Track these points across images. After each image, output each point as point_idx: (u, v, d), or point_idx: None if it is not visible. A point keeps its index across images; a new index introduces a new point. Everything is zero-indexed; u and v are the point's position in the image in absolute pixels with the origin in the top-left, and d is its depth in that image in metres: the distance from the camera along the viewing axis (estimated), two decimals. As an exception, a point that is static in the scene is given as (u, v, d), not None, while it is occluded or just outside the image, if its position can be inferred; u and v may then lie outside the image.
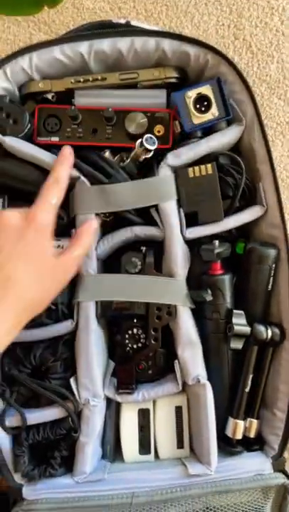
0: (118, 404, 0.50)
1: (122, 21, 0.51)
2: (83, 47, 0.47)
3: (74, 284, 0.48)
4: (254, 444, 0.49)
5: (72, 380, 0.47)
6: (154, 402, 0.50)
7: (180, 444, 0.50)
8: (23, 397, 0.48)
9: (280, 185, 0.48)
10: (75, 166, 0.46)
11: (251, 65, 0.70)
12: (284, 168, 0.70)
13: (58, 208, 0.41)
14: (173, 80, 0.50)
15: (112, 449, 0.51)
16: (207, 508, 0.48)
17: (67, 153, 0.44)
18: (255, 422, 0.49)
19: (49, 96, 0.51)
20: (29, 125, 0.49)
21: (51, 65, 0.48)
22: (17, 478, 0.47)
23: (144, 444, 0.50)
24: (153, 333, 0.48)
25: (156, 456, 0.50)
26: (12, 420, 0.47)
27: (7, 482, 0.47)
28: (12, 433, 0.47)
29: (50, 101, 0.51)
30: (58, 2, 0.50)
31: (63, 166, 0.43)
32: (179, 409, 0.50)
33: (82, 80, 0.49)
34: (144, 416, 0.49)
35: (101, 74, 0.49)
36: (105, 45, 0.47)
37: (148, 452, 0.50)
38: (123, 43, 0.47)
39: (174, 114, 0.49)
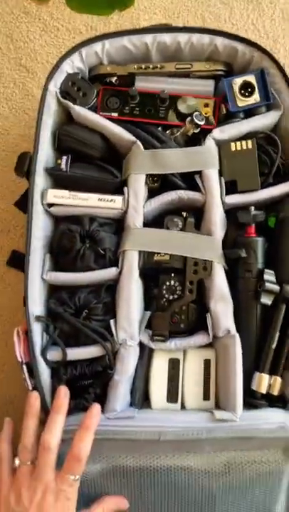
0: (150, 355, 0.53)
1: (180, 26, 0.60)
2: (149, 38, 0.56)
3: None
4: (277, 401, 0.51)
5: (112, 322, 0.51)
6: (184, 354, 0.53)
7: (206, 396, 0.52)
8: (64, 334, 0.52)
9: None
10: (132, 132, 0.54)
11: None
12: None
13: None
14: (221, 73, 0.58)
15: (141, 398, 0.53)
16: (228, 462, 0.50)
17: (63, 394, 0.47)
18: (279, 379, 0.51)
19: (113, 79, 0.59)
20: (95, 100, 0.57)
21: (119, 51, 0.57)
22: (52, 409, 0.50)
23: (172, 393, 0.52)
24: (189, 285, 0.52)
25: (183, 406, 0.52)
26: (53, 354, 0.51)
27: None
28: (52, 365, 0.51)
29: (113, 84, 0.59)
30: (128, 5, 0.60)
31: (58, 416, 0.46)
32: (207, 362, 0.53)
33: (143, 66, 0.58)
34: (174, 366, 0.52)
35: (160, 63, 0.58)
36: (167, 38, 0.56)
37: (175, 401, 0.52)
38: (182, 37, 0.56)
39: (220, 100, 0.57)
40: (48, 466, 0.44)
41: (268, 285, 0.50)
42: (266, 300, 0.51)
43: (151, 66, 0.58)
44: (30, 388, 0.51)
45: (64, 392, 0.47)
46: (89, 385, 0.51)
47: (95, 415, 0.46)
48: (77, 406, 0.49)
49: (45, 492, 0.43)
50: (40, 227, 0.53)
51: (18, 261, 0.68)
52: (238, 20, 0.80)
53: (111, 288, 0.53)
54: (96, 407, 0.47)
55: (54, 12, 0.80)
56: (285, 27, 0.80)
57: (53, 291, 0.55)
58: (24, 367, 0.51)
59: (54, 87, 0.55)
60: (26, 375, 0.51)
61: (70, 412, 0.49)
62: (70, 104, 0.55)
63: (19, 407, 0.69)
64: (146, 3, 0.81)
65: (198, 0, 0.81)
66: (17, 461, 0.45)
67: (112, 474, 0.50)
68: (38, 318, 0.51)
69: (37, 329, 0.51)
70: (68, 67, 0.56)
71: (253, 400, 0.50)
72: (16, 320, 0.72)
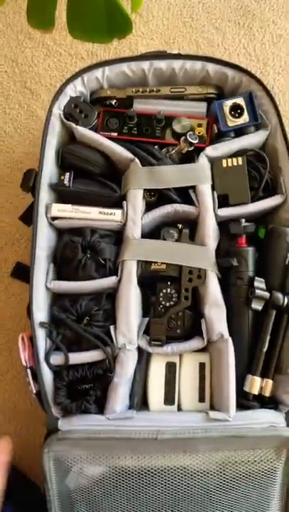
0: (148, 360, 0.56)
1: (175, 52, 0.65)
2: (146, 64, 0.61)
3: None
4: (269, 403, 0.54)
5: (111, 328, 0.54)
6: (181, 358, 0.56)
7: (202, 398, 0.55)
8: (66, 340, 0.55)
9: None
10: (131, 150, 0.58)
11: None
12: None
13: None
14: (212, 96, 0.62)
15: (139, 401, 0.56)
16: (223, 462, 0.52)
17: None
18: (270, 382, 0.54)
19: (112, 102, 0.63)
20: (96, 120, 0.61)
21: (118, 76, 0.62)
22: (55, 411, 0.52)
23: (169, 396, 0.55)
24: (184, 292, 0.56)
25: (179, 408, 0.55)
26: (56, 359, 0.54)
27: (46, 414, 0.52)
28: (55, 369, 0.54)
29: (113, 106, 0.64)
30: (126, 34, 0.64)
31: None
32: (202, 366, 0.55)
33: (140, 90, 0.62)
34: (170, 369, 0.55)
35: (156, 87, 0.62)
36: (163, 64, 0.61)
37: (172, 403, 0.55)
38: (176, 64, 0.61)
39: (212, 121, 0.61)
40: None
41: (258, 292, 0.54)
42: (257, 306, 0.54)
43: (148, 89, 0.62)
44: (34, 391, 0.53)
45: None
46: (90, 388, 0.53)
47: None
48: (79, 408, 0.52)
49: None
50: (45, 239, 0.57)
51: (22, 272, 0.72)
52: (230, 44, 0.85)
53: (111, 296, 0.56)
54: (4, 444, 0.48)
55: (57, 38, 0.85)
56: (274, 50, 0.85)
57: (56, 299, 0.58)
58: (28, 371, 0.54)
59: (58, 109, 0.59)
60: (30, 378, 0.53)
61: (73, 413, 0.52)
62: (73, 125, 0.59)
63: (22, 414, 0.72)
64: (144, 29, 0.86)
65: (193, 26, 0.86)
66: None
67: (112, 477, 0.52)
68: (42, 324, 0.54)
69: (41, 335, 0.54)
70: (71, 91, 0.60)
71: (245, 401, 0.53)
72: (19, 329, 0.75)
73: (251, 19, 0.86)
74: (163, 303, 0.56)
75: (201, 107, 0.62)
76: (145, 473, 0.51)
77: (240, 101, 0.59)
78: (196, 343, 0.54)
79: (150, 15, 0.87)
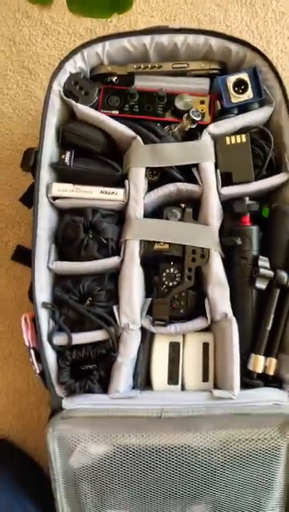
0: (151, 340, 0.56)
1: (177, 27, 0.63)
2: (147, 39, 0.59)
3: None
4: (272, 382, 0.54)
5: (114, 308, 0.54)
6: (184, 338, 0.56)
7: (205, 378, 0.55)
8: (69, 320, 0.55)
9: None
10: (133, 128, 0.57)
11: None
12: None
13: None
14: (216, 71, 0.61)
15: (143, 381, 0.56)
16: (226, 440, 0.52)
17: None
18: (274, 360, 0.54)
19: (113, 79, 0.62)
20: (96, 98, 0.60)
21: (119, 52, 0.60)
22: (58, 391, 0.52)
23: (173, 375, 0.55)
24: (188, 272, 0.55)
25: (183, 387, 0.55)
26: (59, 339, 0.54)
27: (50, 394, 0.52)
28: (58, 349, 0.53)
29: (114, 83, 0.62)
30: (127, 9, 0.63)
31: None
32: (206, 346, 0.55)
33: (142, 66, 0.61)
34: (174, 349, 0.55)
35: (158, 62, 0.61)
36: (164, 39, 0.59)
37: (176, 383, 0.55)
38: (178, 38, 0.59)
39: (215, 98, 0.60)
40: None
41: (262, 271, 0.53)
42: (261, 285, 0.53)
43: (149, 66, 0.61)
44: (38, 371, 0.53)
45: None
46: (93, 368, 0.53)
47: None
48: (83, 388, 0.52)
49: None
50: (46, 219, 0.56)
51: (23, 255, 0.71)
52: (232, 21, 0.83)
53: (113, 276, 0.56)
54: None
55: (55, 16, 0.83)
56: (277, 28, 0.83)
57: (59, 280, 0.57)
58: (32, 351, 0.53)
59: (58, 86, 0.58)
60: (34, 359, 0.53)
61: (77, 393, 0.52)
62: (73, 102, 0.58)
63: (25, 396, 0.72)
64: (144, 6, 0.84)
65: (194, 3, 0.84)
66: None
67: (116, 455, 0.52)
68: (44, 305, 0.54)
69: (43, 316, 0.54)
70: (71, 68, 0.59)
71: (249, 379, 0.53)
72: (20, 312, 0.73)
73: (254, -5, 0.84)
74: (166, 283, 0.55)
75: (204, 84, 0.61)
76: (148, 451, 0.51)
77: (244, 76, 0.58)
78: (199, 322, 0.54)
79: (150, -9, 0.85)
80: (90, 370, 0.54)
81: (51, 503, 0.54)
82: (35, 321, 0.54)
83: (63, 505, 0.55)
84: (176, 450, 0.51)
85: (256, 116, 0.58)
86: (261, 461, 0.53)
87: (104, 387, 0.53)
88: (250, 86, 0.58)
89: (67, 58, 0.58)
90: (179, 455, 0.52)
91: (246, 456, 0.52)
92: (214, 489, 0.53)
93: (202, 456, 0.52)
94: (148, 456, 0.52)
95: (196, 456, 0.52)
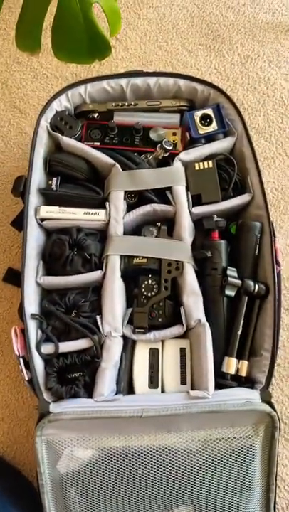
0: (132, 347, 0.60)
1: (151, 70, 0.72)
2: (124, 81, 0.68)
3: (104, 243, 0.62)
4: (245, 383, 0.58)
5: (98, 317, 0.59)
6: (163, 344, 0.60)
7: (183, 381, 0.59)
8: (56, 330, 0.59)
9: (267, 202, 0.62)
10: (112, 156, 0.64)
11: (244, 116, 0.91)
12: (270, 191, 0.87)
13: None
14: (185, 108, 0.69)
15: (125, 386, 0.59)
16: (204, 440, 0.56)
17: None
18: (245, 363, 0.59)
19: (95, 115, 0.70)
20: (80, 131, 0.67)
21: (99, 92, 0.68)
22: (46, 396, 0.56)
23: (153, 379, 0.59)
24: (164, 283, 0.60)
25: (163, 390, 0.59)
26: (47, 348, 0.58)
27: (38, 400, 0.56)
28: (46, 358, 0.57)
29: (95, 118, 0.70)
30: (106, 55, 0.71)
31: None
32: (183, 351, 0.60)
33: (120, 104, 0.69)
34: (154, 355, 0.59)
35: (134, 101, 0.69)
36: (139, 81, 0.67)
37: (156, 386, 0.59)
38: (151, 80, 0.68)
39: (185, 130, 0.68)
40: None
41: (230, 280, 0.59)
42: (230, 292, 0.59)
43: (126, 103, 0.69)
44: (27, 378, 0.57)
45: None
46: (79, 375, 0.57)
47: None
48: (69, 392, 0.55)
49: None
50: (35, 238, 0.62)
51: (14, 277, 0.76)
52: (202, 65, 0.93)
53: (97, 289, 0.61)
54: None
55: (43, 62, 0.93)
56: (242, 70, 0.93)
57: (46, 294, 0.62)
58: (21, 360, 0.57)
59: (45, 121, 0.66)
60: (23, 367, 0.57)
61: (63, 398, 0.55)
62: (59, 135, 0.65)
63: (14, 412, 0.74)
64: (123, 53, 0.94)
65: (168, 50, 0.94)
66: None
67: (101, 459, 0.55)
68: (33, 316, 0.58)
69: (32, 326, 0.58)
70: (57, 106, 0.67)
71: (223, 380, 0.57)
72: (10, 331, 0.78)
73: (221, 42, 0.95)
74: (145, 293, 0.61)
75: (175, 118, 0.69)
76: (132, 454, 0.54)
77: (209, 111, 0.66)
78: (176, 329, 0.59)
79: (128, 40, 0.95)
80: (75, 377, 0.58)
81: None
82: (24, 332, 0.58)
83: (51, 510, 0.57)
84: (157, 452, 0.54)
85: (221, 145, 0.66)
86: (238, 461, 0.56)
87: (90, 392, 0.57)
88: (214, 119, 0.66)
89: (53, 98, 0.66)
90: (161, 457, 0.55)
91: (224, 456, 0.55)
92: (195, 490, 0.56)
93: (183, 457, 0.55)
94: (131, 459, 0.54)
95: (176, 458, 0.55)
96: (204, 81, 0.67)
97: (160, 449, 0.55)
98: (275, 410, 0.55)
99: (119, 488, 0.55)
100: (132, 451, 0.54)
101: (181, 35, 0.95)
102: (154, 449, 0.55)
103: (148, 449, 0.55)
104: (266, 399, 0.56)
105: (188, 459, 0.55)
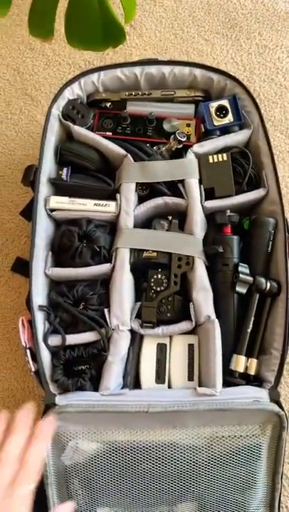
0: (140, 342, 0.60)
1: (166, 59, 0.70)
2: (138, 70, 0.66)
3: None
4: (253, 381, 0.57)
5: (106, 311, 0.58)
6: (171, 339, 0.59)
7: (191, 377, 0.58)
8: (64, 322, 0.59)
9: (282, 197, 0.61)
10: (124, 147, 0.62)
11: (260, 107, 0.89)
12: (285, 186, 0.85)
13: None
14: (200, 98, 0.67)
15: (132, 381, 0.59)
16: (210, 437, 0.55)
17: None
18: (255, 361, 0.58)
19: (107, 104, 0.68)
20: (92, 121, 0.66)
21: (113, 81, 0.67)
22: (52, 388, 0.56)
23: (160, 375, 0.58)
24: (174, 278, 0.59)
25: (169, 386, 0.58)
26: (54, 340, 0.58)
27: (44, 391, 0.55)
28: (53, 350, 0.57)
29: (108, 108, 0.68)
30: (121, 42, 0.70)
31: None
32: (191, 347, 0.59)
33: (133, 93, 0.67)
34: (161, 350, 0.59)
35: (148, 90, 0.68)
36: (153, 69, 0.66)
37: (163, 382, 0.58)
38: (166, 69, 0.66)
39: (199, 121, 0.66)
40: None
41: (242, 276, 0.58)
42: (241, 289, 0.58)
43: (140, 93, 0.67)
44: (33, 370, 0.57)
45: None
46: (86, 368, 0.57)
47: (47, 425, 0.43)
48: (75, 385, 0.55)
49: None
50: (44, 229, 0.61)
51: (22, 267, 0.75)
52: (219, 54, 0.91)
53: (105, 282, 0.60)
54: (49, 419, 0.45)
55: (56, 48, 0.91)
56: (260, 60, 0.91)
57: (55, 285, 0.62)
58: (28, 351, 0.57)
59: (57, 110, 0.64)
60: (29, 358, 0.57)
61: (69, 390, 0.55)
62: (71, 124, 0.64)
63: (21, 400, 0.75)
64: (138, 41, 0.92)
65: (183, 38, 0.92)
66: None
67: (106, 452, 0.54)
68: (40, 308, 0.58)
69: (40, 318, 0.58)
70: (69, 94, 0.65)
71: (231, 378, 0.57)
72: (17, 321, 0.78)
73: (238, 31, 0.92)
74: (154, 288, 0.60)
75: (190, 109, 0.67)
76: (137, 448, 0.54)
77: (225, 103, 0.64)
78: (184, 325, 0.58)
79: (143, 28, 0.93)
80: (82, 370, 0.58)
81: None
82: (31, 323, 0.58)
83: (54, 502, 0.57)
84: (163, 447, 0.54)
85: (236, 137, 0.64)
86: (244, 459, 0.55)
87: (96, 385, 0.56)
88: (230, 111, 0.64)
89: (66, 86, 0.65)
90: (166, 452, 0.54)
91: (230, 454, 0.55)
92: (200, 487, 0.56)
93: (188, 453, 0.55)
94: (136, 454, 0.54)
95: (182, 454, 0.54)
96: (221, 71, 0.65)
97: (165, 444, 0.54)
98: (283, 410, 0.54)
99: (123, 482, 0.55)
100: (137, 446, 0.54)
101: (198, 22, 0.92)
102: (159, 445, 0.54)
103: (153, 444, 0.54)
104: (275, 398, 0.55)
105: (193, 455, 0.55)
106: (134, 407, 0.53)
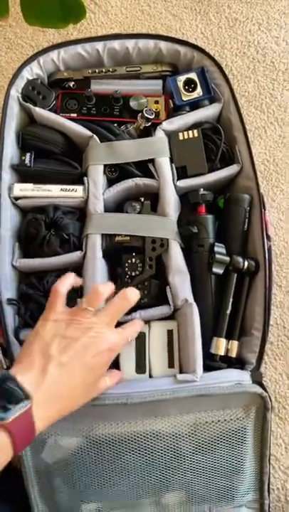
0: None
1: (126, 33, 0.66)
2: (99, 45, 0.62)
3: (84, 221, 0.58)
4: (235, 363, 0.56)
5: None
6: (149, 327, 0.57)
7: (171, 364, 0.56)
8: (35, 316, 0.56)
9: (258, 176, 0.58)
10: (89, 128, 0.59)
11: (233, 83, 0.86)
12: (262, 163, 0.82)
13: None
14: (167, 73, 0.64)
15: (110, 371, 0.57)
16: (194, 424, 0.53)
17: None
18: (235, 343, 0.56)
19: (70, 84, 0.65)
20: (54, 102, 0.62)
21: (74, 58, 0.63)
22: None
23: (140, 364, 0.56)
24: (148, 261, 0.57)
25: (150, 375, 0.56)
26: (25, 335, 0.55)
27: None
28: (25, 344, 0.54)
29: (71, 88, 0.65)
30: (80, 18, 0.66)
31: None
32: (170, 333, 0.57)
33: (97, 70, 0.64)
34: (140, 338, 0.56)
35: (112, 67, 0.64)
36: (116, 44, 0.62)
37: (144, 371, 0.56)
38: (129, 43, 0.62)
39: (168, 98, 0.63)
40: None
41: (218, 257, 0.55)
42: (218, 270, 0.55)
43: (104, 70, 0.64)
44: (5, 367, 0.54)
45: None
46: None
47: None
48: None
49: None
50: (9, 219, 0.58)
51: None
52: (188, 29, 0.87)
53: (77, 271, 0.57)
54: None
55: (18, 31, 0.87)
56: (230, 33, 0.87)
57: (24, 277, 0.59)
58: (-1, 347, 0.54)
59: (16, 92, 0.60)
60: (1, 355, 0.54)
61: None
62: (31, 106, 0.60)
63: None
64: (103, 19, 0.88)
65: (151, 14, 0.88)
66: (82, 302, 0.47)
67: (88, 447, 0.52)
68: (9, 301, 0.55)
69: (9, 312, 0.55)
70: (28, 74, 0.62)
71: (212, 362, 0.55)
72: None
73: (207, 5, 0.89)
74: (129, 273, 0.57)
75: (157, 85, 0.64)
76: (119, 440, 0.52)
77: (193, 76, 0.61)
78: (163, 309, 0.56)
79: (108, 5, 0.89)
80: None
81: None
82: (0, 318, 0.55)
83: (37, 501, 0.55)
84: (145, 438, 0.52)
85: (207, 112, 0.61)
86: (230, 444, 0.54)
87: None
88: (199, 84, 0.61)
89: (23, 65, 0.61)
90: (149, 442, 0.52)
91: (215, 439, 0.53)
92: (186, 475, 0.54)
93: (172, 441, 0.53)
94: (118, 446, 0.52)
95: (166, 443, 0.53)
96: (187, 42, 0.62)
97: (148, 434, 0.52)
98: (266, 391, 0.53)
99: (107, 475, 0.54)
100: (119, 438, 0.52)
101: (165, -3, 0.89)
102: (141, 435, 0.52)
103: (135, 435, 0.52)
104: (257, 380, 0.53)
105: (177, 443, 0.53)
106: (113, 399, 0.51)
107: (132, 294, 0.49)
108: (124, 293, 0.48)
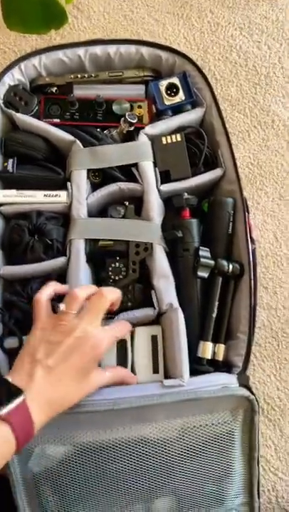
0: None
1: (107, 39, 0.66)
2: (81, 51, 0.62)
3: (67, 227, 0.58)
4: (222, 367, 0.56)
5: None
6: (133, 332, 0.57)
7: (156, 370, 0.55)
8: (19, 323, 0.55)
9: (242, 179, 0.59)
10: (72, 133, 0.59)
11: (216, 88, 0.86)
12: (246, 166, 0.83)
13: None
14: (149, 78, 0.64)
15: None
16: (182, 428, 0.53)
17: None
18: (222, 346, 0.56)
19: (53, 89, 0.65)
20: (36, 107, 0.62)
21: (56, 64, 0.63)
22: (11, 393, 0.52)
23: (124, 371, 0.55)
24: (132, 265, 0.57)
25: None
26: (10, 343, 0.54)
27: None
28: (10, 352, 0.54)
29: (53, 93, 0.65)
30: (62, 23, 0.66)
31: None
32: (154, 338, 0.56)
33: (79, 76, 0.64)
34: (122, 344, 0.56)
35: (94, 72, 0.64)
36: (98, 49, 0.62)
37: (129, 377, 0.55)
38: (111, 49, 0.62)
39: (151, 102, 0.63)
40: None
41: (203, 260, 0.55)
42: (203, 273, 0.56)
43: (86, 75, 0.64)
44: (-10, 375, 0.53)
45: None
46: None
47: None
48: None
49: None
50: (-9, 226, 0.57)
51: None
52: (171, 34, 0.88)
53: (60, 278, 0.57)
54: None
55: (0, 37, 0.86)
56: (213, 38, 0.88)
57: (9, 285, 0.58)
58: (-17, 356, 0.54)
59: (-3, 98, 0.60)
60: (-15, 363, 0.53)
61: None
62: (13, 112, 0.60)
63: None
64: (86, 24, 0.88)
65: (133, 19, 0.88)
66: (62, 307, 0.48)
67: (76, 455, 0.52)
68: (-7, 309, 0.54)
69: (-7, 320, 0.54)
70: (9, 80, 0.61)
71: (199, 366, 0.54)
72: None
73: (189, 10, 0.90)
74: (112, 277, 0.57)
75: (140, 89, 0.64)
76: (106, 447, 0.51)
77: (175, 80, 0.61)
78: (146, 310, 0.55)
79: (91, 10, 0.89)
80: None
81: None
82: (-16, 327, 0.54)
83: (26, 510, 0.54)
84: (133, 444, 0.52)
85: (189, 116, 0.61)
86: (218, 447, 0.53)
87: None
88: (181, 89, 0.61)
89: (5, 71, 0.61)
90: (137, 448, 0.52)
91: (203, 443, 0.53)
92: (176, 480, 0.54)
93: (160, 447, 0.52)
94: (106, 453, 0.52)
95: (154, 448, 0.52)
96: (168, 47, 0.62)
97: (136, 440, 0.52)
98: (253, 394, 0.53)
99: (96, 483, 0.53)
100: (106, 445, 0.52)
101: (147, 2, 0.89)
102: (129, 441, 0.52)
103: (123, 442, 0.52)
104: (244, 382, 0.53)
105: (165, 448, 0.53)
106: (99, 405, 0.50)
107: (108, 292, 0.49)
108: (100, 291, 0.49)
